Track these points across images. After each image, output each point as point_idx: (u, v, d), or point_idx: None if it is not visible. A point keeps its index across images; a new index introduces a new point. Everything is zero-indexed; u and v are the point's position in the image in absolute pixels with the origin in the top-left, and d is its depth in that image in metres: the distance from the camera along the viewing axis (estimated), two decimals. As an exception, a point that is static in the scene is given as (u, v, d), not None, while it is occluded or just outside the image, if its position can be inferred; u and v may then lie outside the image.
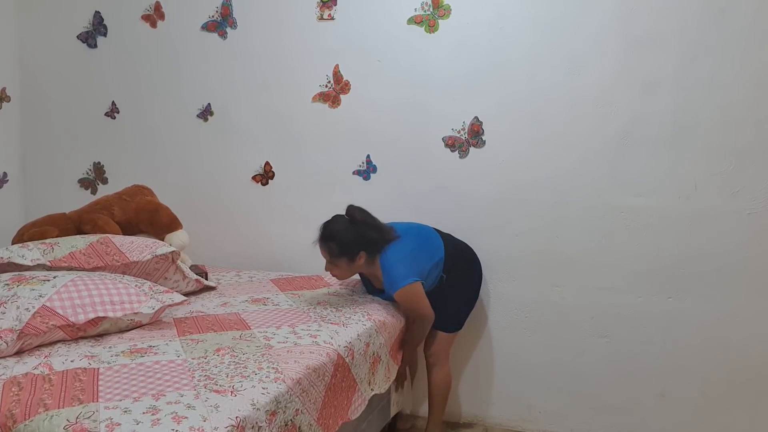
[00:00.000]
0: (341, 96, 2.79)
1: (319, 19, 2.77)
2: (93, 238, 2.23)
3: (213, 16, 2.92)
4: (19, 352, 1.66)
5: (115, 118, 3.15)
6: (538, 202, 2.56)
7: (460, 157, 2.65)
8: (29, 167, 3.29)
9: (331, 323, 2.03)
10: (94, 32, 3.11)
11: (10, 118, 3.20)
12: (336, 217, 2.31)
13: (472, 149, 2.64)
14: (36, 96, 3.23)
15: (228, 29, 2.91)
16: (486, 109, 2.59)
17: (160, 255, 2.20)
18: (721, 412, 2.42)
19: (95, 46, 3.12)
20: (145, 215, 2.61)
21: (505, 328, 2.66)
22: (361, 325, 2.07)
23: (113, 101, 3.14)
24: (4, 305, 1.70)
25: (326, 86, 2.81)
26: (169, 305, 1.99)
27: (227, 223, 3.02)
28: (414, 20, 2.64)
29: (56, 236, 2.42)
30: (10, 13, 3.16)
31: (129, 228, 2.60)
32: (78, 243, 2.18)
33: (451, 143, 2.66)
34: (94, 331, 1.82)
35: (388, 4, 2.66)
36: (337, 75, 2.79)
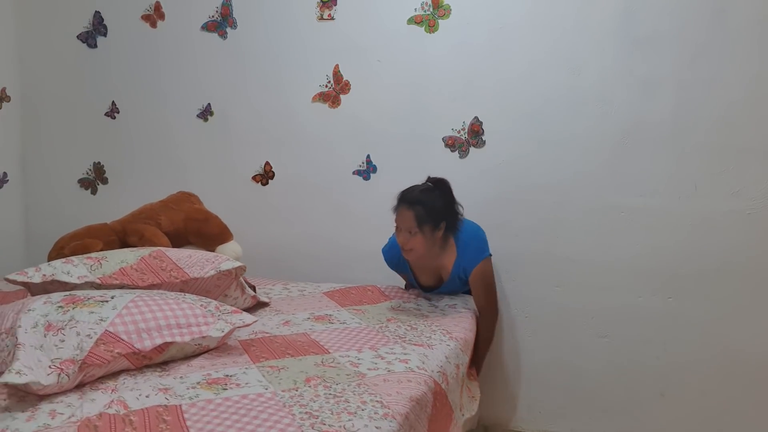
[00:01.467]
0: (341, 96, 2.79)
1: (319, 19, 2.77)
2: (144, 251, 2.04)
3: (213, 16, 2.92)
4: (80, 385, 1.48)
5: (115, 118, 3.15)
6: (538, 202, 2.56)
7: (460, 157, 2.65)
8: (29, 167, 3.29)
9: (415, 344, 1.87)
10: (94, 32, 3.11)
11: (10, 118, 3.20)
12: (418, 185, 2.25)
13: (472, 149, 2.64)
14: (36, 96, 3.23)
15: (228, 29, 2.91)
16: (486, 109, 2.59)
17: (224, 271, 2.00)
18: (722, 412, 2.42)
19: (95, 46, 3.12)
20: (194, 225, 2.43)
21: (505, 328, 2.66)
22: (446, 345, 1.92)
23: (113, 101, 3.14)
24: (62, 332, 1.49)
25: (326, 86, 2.81)
26: (239, 327, 1.77)
27: (227, 223, 3.01)
28: (414, 20, 2.64)
29: (101, 249, 2.22)
30: (9, 13, 3.16)
31: (177, 239, 2.40)
32: (128, 257, 1.99)
33: (451, 143, 2.66)
34: (160, 358, 1.63)
35: (388, 4, 2.66)
36: (337, 75, 2.79)
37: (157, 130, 3.09)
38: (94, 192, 3.22)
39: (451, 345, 1.95)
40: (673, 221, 2.40)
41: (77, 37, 3.13)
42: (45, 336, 1.47)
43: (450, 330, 2.06)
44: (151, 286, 1.89)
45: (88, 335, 1.49)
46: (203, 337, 1.66)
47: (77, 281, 1.86)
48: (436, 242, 2.23)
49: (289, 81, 2.85)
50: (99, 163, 3.20)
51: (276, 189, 2.95)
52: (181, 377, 1.55)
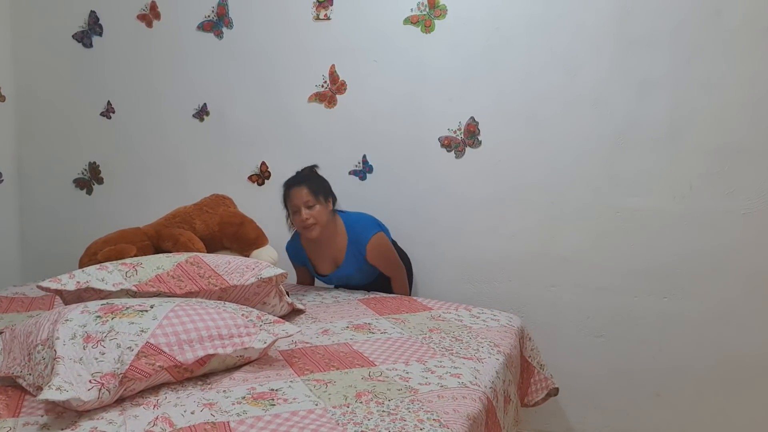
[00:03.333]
0: (337, 96, 2.79)
1: (316, 19, 2.77)
2: (180, 257, 1.96)
3: (209, 16, 2.92)
4: (120, 400, 1.41)
5: (110, 117, 3.14)
6: (533, 202, 2.57)
7: (456, 157, 2.66)
8: (24, 167, 3.28)
9: (464, 358, 1.78)
10: (90, 32, 3.10)
11: (5, 118, 3.19)
12: (298, 172, 2.43)
13: (468, 149, 2.64)
14: (31, 96, 3.22)
15: (224, 29, 2.91)
16: (482, 109, 2.60)
17: (265, 278, 1.93)
18: (717, 411, 2.42)
19: (91, 45, 3.11)
20: (230, 229, 2.34)
21: (501, 328, 2.67)
22: (495, 359, 1.82)
23: (109, 101, 3.13)
24: (102, 343, 1.42)
25: (322, 86, 2.81)
26: (282, 338, 1.69)
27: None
28: (410, 20, 2.64)
29: (135, 255, 2.16)
30: (5, 12, 3.15)
31: (211, 243, 2.34)
32: (164, 263, 1.90)
33: (447, 143, 2.66)
34: (201, 370, 1.55)
35: (384, 5, 2.66)
36: (333, 75, 2.78)
37: (153, 130, 3.08)
38: (89, 192, 3.21)
39: (500, 359, 1.84)
40: (668, 221, 2.40)
41: (73, 36, 3.12)
42: (84, 348, 1.41)
43: (498, 343, 1.95)
44: (189, 294, 1.83)
45: (129, 347, 1.42)
46: (245, 348, 1.59)
47: (112, 288, 1.78)
48: (329, 218, 2.37)
49: (285, 81, 2.85)
50: (94, 163, 3.19)
51: (272, 189, 2.94)
52: (224, 391, 1.48)
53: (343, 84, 2.78)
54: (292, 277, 2.71)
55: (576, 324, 2.57)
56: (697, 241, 2.38)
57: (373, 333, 1.97)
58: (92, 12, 3.08)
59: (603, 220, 2.49)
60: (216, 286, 1.86)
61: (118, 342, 1.43)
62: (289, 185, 2.38)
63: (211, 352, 1.52)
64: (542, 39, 2.48)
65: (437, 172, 2.68)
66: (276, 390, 1.49)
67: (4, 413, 1.35)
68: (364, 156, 2.79)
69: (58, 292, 1.81)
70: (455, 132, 2.65)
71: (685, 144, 2.35)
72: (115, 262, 1.93)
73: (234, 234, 2.34)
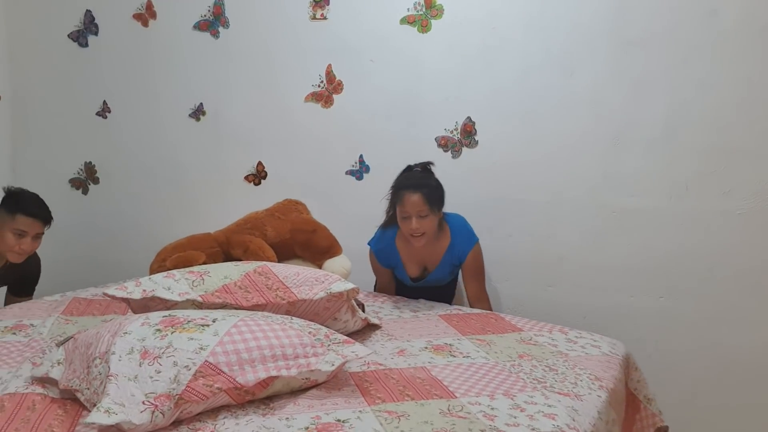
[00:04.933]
0: (334, 96, 2.79)
1: (312, 19, 2.77)
2: (248, 266, 1.86)
3: (205, 16, 2.91)
4: (175, 423, 1.30)
5: (106, 117, 3.14)
6: (530, 202, 2.57)
7: (453, 157, 2.66)
8: (20, 167, 3.26)
9: (559, 393, 1.55)
10: (85, 31, 3.10)
11: (1, 118, 3.18)
12: (413, 171, 2.30)
13: (464, 149, 2.64)
14: (26, 95, 3.21)
15: (220, 28, 2.91)
16: (479, 110, 2.60)
17: (335, 293, 1.78)
18: (713, 411, 2.43)
19: (86, 45, 3.10)
20: (302, 237, 2.26)
21: (497, 328, 2.67)
22: (596, 396, 1.57)
23: (105, 100, 3.12)
24: (159, 360, 1.32)
25: (319, 86, 2.80)
26: (351, 360, 1.55)
27: (220, 223, 3.00)
28: (407, 20, 2.64)
29: (203, 262, 2.11)
30: (0, 11, 3.14)
31: (282, 250, 2.25)
32: (231, 273, 1.80)
33: (444, 143, 2.67)
34: (263, 393, 1.43)
35: (380, 4, 2.66)
36: (329, 75, 2.78)
37: (149, 129, 3.08)
38: (85, 192, 3.20)
39: (602, 397, 1.58)
40: (664, 221, 2.41)
41: (68, 36, 3.11)
42: (140, 365, 1.32)
43: (599, 376, 1.69)
44: (255, 307, 1.72)
45: (186, 366, 1.31)
46: (311, 370, 1.46)
47: (178, 298, 1.70)
48: (437, 227, 2.27)
49: (281, 81, 2.85)
50: (90, 162, 3.19)
51: (269, 189, 2.95)
52: (287, 418, 1.35)
53: (340, 84, 2.77)
54: (366, 284, 2.56)
55: (573, 323, 2.57)
56: (693, 241, 2.38)
57: (455, 356, 1.79)
58: (88, 11, 3.07)
59: (599, 220, 2.49)
60: (284, 299, 1.74)
61: (176, 360, 1.32)
62: (404, 187, 2.22)
63: (274, 374, 1.40)
64: (538, 39, 2.48)
65: (434, 171, 2.68)
66: (343, 422, 1.35)
67: (58, 430, 1.28)
68: (361, 156, 2.79)
69: (125, 300, 1.75)
70: (452, 132, 2.65)
71: (681, 144, 2.35)
72: (182, 269, 1.85)
73: (306, 242, 2.25)
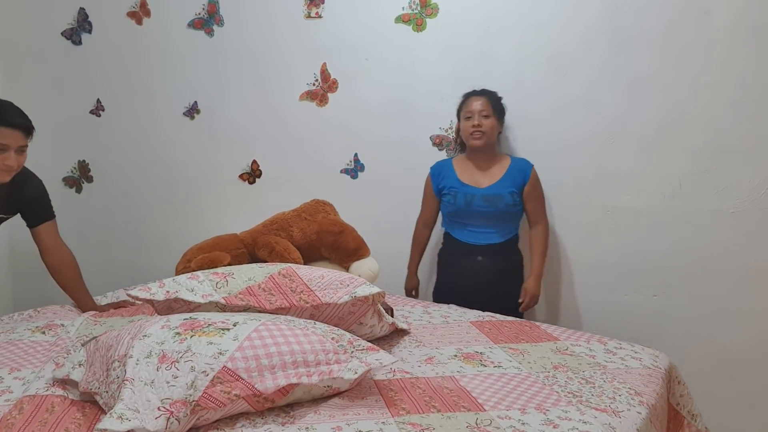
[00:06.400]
0: (329, 94, 2.79)
1: (307, 17, 2.77)
2: (273, 268, 1.82)
3: (200, 14, 2.91)
4: (192, 430, 1.28)
5: (100, 116, 3.12)
6: (524, 201, 2.57)
7: (448, 156, 2.66)
8: (13, 165, 3.25)
9: (595, 408, 1.47)
10: (79, 29, 3.08)
11: (-7, 116, 3.16)
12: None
13: (459, 148, 2.64)
14: (20, 93, 3.19)
15: (215, 27, 2.90)
16: (473, 108, 2.60)
17: (360, 297, 1.71)
18: (707, 408, 2.43)
19: (80, 43, 3.09)
20: (329, 238, 2.22)
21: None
22: (636, 413, 1.48)
23: (98, 99, 3.11)
24: (176, 365, 1.29)
25: (314, 84, 2.80)
26: (375, 368, 1.49)
27: (214, 222, 3.00)
28: (402, 19, 2.64)
29: (228, 263, 2.09)
30: (-8, 9, 3.13)
31: (309, 252, 2.23)
32: (256, 275, 1.77)
33: (439, 142, 2.67)
34: (283, 401, 1.39)
35: (375, 3, 2.66)
36: (324, 73, 2.78)
37: (143, 128, 3.07)
38: (78, 190, 3.19)
39: (642, 414, 1.49)
40: (657, 220, 2.42)
41: (61, 33, 3.10)
42: (158, 370, 1.29)
43: (640, 391, 1.60)
44: (279, 310, 1.69)
45: (204, 372, 1.28)
46: (333, 378, 1.41)
47: (201, 300, 1.67)
48: (495, 137, 2.46)
49: (276, 79, 2.85)
50: (84, 161, 3.17)
51: (263, 187, 2.94)
52: (306, 428, 1.32)
53: (335, 82, 2.77)
54: (395, 288, 2.56)
55: (566, 322, 2.58)
56: (686, 239, 2.39)
57: (485, 366, 1.72)
58: (81, 9, 3.06)
59: (593, 219, 2.50)
60: (308, 303, 1.69)
61: (193, 365, 1.29)
62: (470, 94, 2.45)
63: (294, 381, 1.36)
64: (533, 38, 2.49)
65: (429, 170, 2.68)
66: None
67: None
68: (356, 154, 2.79)
69: (149, 302, 1.73)
70: (447, 130, 2.65)
71: (675, 143, 2.37)
72: (206, 271, 1.82)
73: (333, 243, 2.22)
